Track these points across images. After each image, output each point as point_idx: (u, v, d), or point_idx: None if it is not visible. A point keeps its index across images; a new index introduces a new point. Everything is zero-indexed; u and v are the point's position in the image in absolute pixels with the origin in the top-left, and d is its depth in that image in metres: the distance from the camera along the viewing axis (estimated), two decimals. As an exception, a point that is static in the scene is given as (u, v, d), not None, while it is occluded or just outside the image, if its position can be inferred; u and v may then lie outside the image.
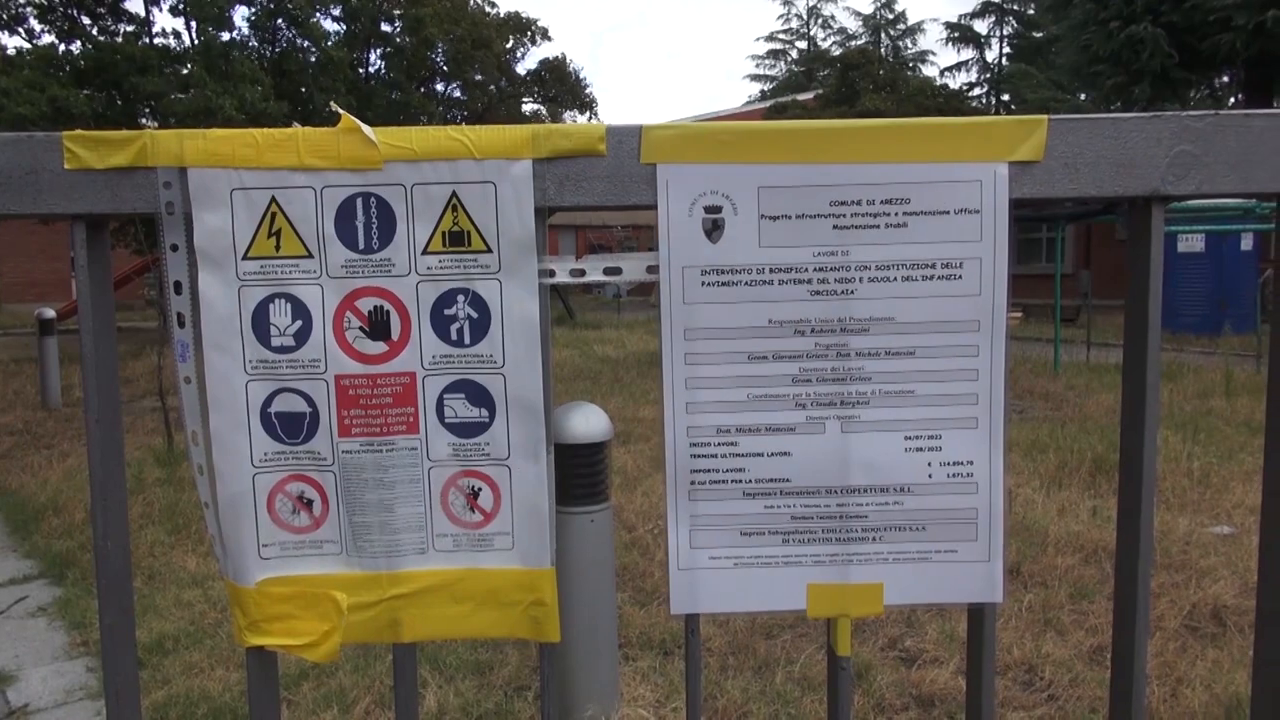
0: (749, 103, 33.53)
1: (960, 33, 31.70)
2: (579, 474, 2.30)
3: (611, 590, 2.41)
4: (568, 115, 21.36)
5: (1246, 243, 13.24)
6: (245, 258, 1.00)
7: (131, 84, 12.27)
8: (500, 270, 1.02)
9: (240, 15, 14.87)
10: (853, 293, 1.05)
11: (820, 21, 40.10)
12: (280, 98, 13.86)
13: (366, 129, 0.99)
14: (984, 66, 31.58)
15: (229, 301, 1.00)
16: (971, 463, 1.08)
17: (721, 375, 1.06)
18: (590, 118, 21.76)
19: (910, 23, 35.97)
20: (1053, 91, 20.82)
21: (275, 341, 1.01)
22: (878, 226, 1.04)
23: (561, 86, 21.39)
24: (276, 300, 1.01)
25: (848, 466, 1.07)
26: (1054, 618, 3.18)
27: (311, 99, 14.71)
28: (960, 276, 1.05)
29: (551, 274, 1.05)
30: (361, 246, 1.01)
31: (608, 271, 1.07)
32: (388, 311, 1.02)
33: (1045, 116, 1.04)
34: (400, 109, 16.39)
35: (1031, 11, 29.05)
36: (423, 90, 18.62)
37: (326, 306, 1.01)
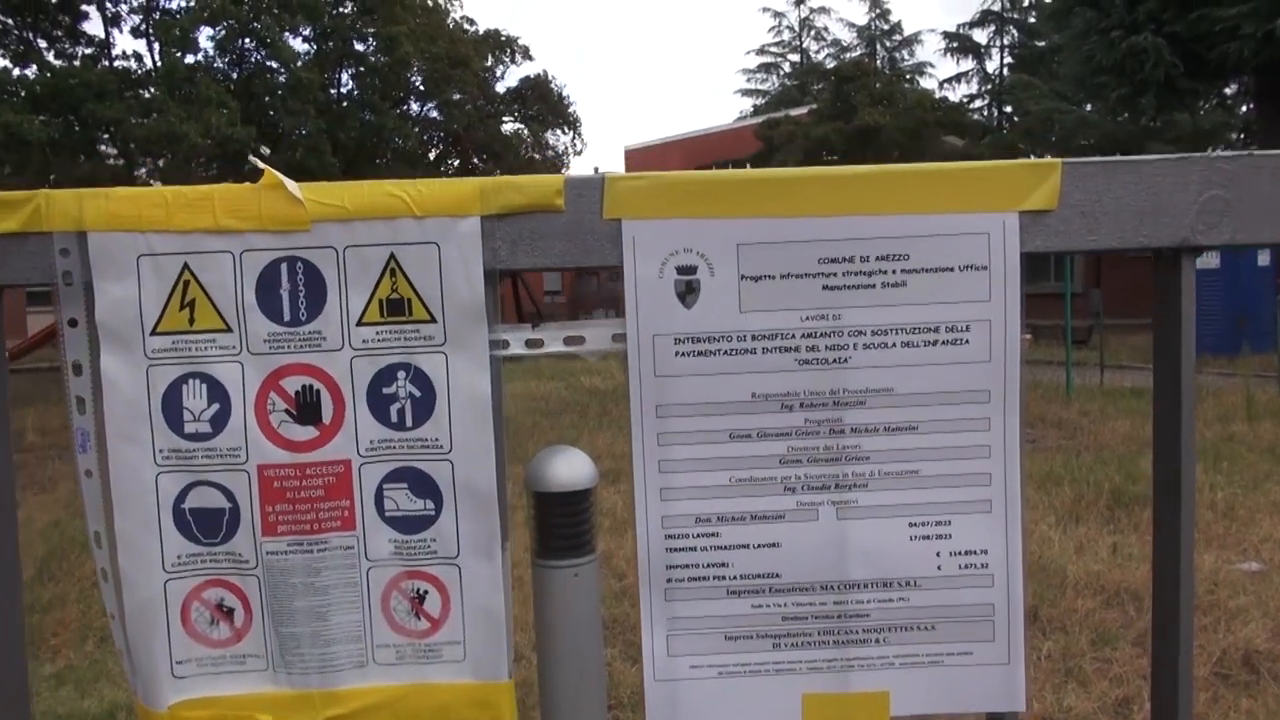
0: (740, 119, 32.76)
1: (959, 43, 31.09)
2: (561, 525, 2.17)
3: (598, 648, 2.25)
4: (550, 134, 21.30)
5: (1263, 258, 13.05)
6: (154, 333, 0.89)
7: (89, 110, 12.09)
8: (446, 342, 0.90)
9: (205, 36, 14.68)
10: (846, 361, 0.93)
11: (813, 33, 38.91)
12: (248, 122, 13.67)
13: (291, 184, 0.88)
14: (985, 77, 31.04)
15: (136, 383, 0.89)
16: (986, 551, 0.95)
17: (700, 457, 0.93)
18: (574, 136, 21.69)
19: (906, 33, 35.16)
20: (1056, 102, 20.56)
21: (189, 428, 0.89)
22: (873, 286, 0.92)
23: (544, 104, 21.34)
24: (190, 381, 0.89)
25: (845, 558, 0.94)
26: (1075, 667, 3.01)
27: (280, 123, 14.57)
28: (967, 341, 0.93)
29: (505, 345, 0.93)
30: (287, 318, 0.89)
31: (569, 341, 0.95)
32: (318, 391, 0.90)
33: (1059, 160, 0.92)
34: (374, 131, 16.21)
35: (1032, 20, 28.69)
36: (398, 111, 18.46)
37: (247, 387, 0.89)
